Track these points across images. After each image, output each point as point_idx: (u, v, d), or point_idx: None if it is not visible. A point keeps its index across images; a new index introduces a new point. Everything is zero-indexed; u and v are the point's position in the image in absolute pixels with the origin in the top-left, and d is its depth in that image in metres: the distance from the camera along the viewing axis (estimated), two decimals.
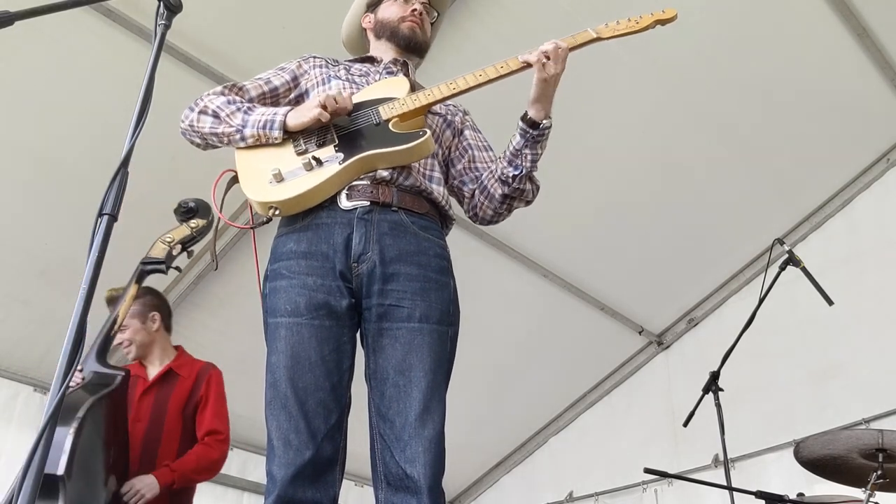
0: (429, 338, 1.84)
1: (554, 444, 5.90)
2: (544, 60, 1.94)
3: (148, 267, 2.86)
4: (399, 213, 1.93)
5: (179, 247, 2.93)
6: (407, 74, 2.19)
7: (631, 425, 5.44)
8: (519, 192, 2.09)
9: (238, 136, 1.97)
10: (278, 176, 1.90)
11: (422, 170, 2.02)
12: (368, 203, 1.91)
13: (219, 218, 2.04)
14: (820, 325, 4.47)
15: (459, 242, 4.56)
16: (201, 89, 3.49)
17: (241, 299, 4.22)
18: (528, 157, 2.03)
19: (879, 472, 2.70)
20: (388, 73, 2.17)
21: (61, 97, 3.58)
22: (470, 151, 2.18)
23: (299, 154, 1.93)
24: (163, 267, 2.87)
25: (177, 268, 2.99)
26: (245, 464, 5.22)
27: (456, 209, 2.14)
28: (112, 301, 3.12)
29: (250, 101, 2.08)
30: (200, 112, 2.02)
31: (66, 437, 2.32)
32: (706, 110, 4.24)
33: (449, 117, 2.18)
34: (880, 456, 2.71)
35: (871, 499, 2.71)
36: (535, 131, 2.00)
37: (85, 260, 1.29)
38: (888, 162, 4.62)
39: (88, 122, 3.63)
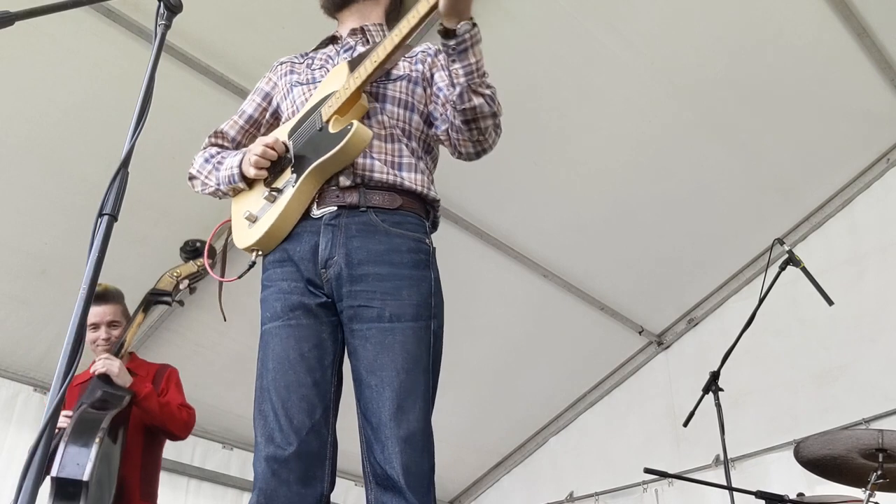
0: (401, 336, 1.80)
1: (554, 444, 5.89)
2: None
3: (155, 298, 3.11)
4: (368, 214, 1.89)
5: (186, 282, 3.15)
6: (367, 43, 2.11)
7: (631, 425, 5.44)
8: (472, 110, 1.86)
9: (220, 194, 2.09)
10: (251, 217, 1.97)
11: (389, 158, 1.93)
12: (336, 208, 1.89)
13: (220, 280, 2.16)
14: (820, 325, 4.47)
15: (460, 242, 4.59)
16: (201, 89, 3.57)
17: (241, 299, 4.20)
18: (461, 72, 1.82)
19: (879, 472, 2.70)
20: (345, 50, 2.11)
21: (61, 97, 3.57)
22: (441, 93, 1.99)
23: (266, 187, 1.97)
24: (169, 299, 3.12)
25: (180, 301, 3.20)
26: (245, 464, 5.22)
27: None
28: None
29: (232, 141, 2.17)
30: (191, 178, 2.14)
31: (91, 447, 2.53)
32: (706, 110, 4.24)
33: (414, 74, 2.02)
34: (880, 456, 2.71)
35: (871, 499, 2.71)
36: (453, 41, 1.79)
37: (85, 260, 1.29)
38: (888, 162, 4.62)
39: (88, 122, 3.63)
